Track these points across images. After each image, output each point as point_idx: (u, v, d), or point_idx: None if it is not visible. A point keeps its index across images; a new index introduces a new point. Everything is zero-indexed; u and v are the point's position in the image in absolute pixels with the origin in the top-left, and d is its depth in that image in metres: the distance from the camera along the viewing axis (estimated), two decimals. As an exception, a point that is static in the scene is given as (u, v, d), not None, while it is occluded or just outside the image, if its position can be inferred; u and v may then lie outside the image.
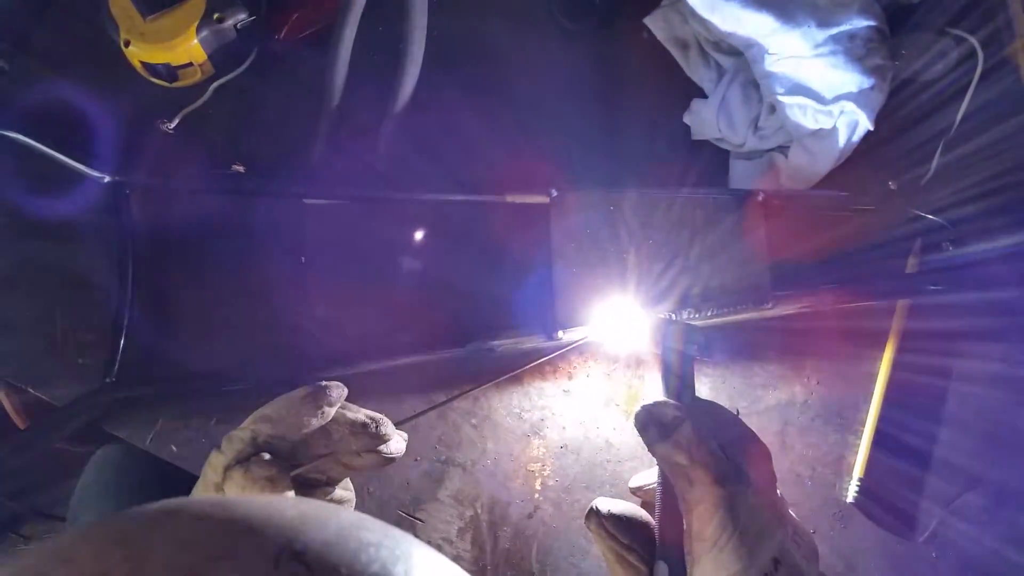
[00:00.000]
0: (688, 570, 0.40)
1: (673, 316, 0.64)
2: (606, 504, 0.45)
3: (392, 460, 0.52)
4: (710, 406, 0.46)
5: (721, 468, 0.40)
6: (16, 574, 0.21)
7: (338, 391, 0.50)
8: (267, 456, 0.48)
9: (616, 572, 0.44)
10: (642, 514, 0.45)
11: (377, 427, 0.51)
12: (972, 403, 0.71)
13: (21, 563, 0.22)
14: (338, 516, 0.26)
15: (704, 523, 0.39)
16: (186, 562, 0.22)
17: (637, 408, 0.44)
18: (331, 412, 0.50)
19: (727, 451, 0.41)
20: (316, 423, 0.49)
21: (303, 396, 0.49)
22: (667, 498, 0.43)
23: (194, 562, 0.22)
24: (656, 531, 0.44)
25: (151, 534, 0.23)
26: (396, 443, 0.52)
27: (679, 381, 0.46)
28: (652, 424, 0.42)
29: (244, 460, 0.48)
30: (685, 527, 0.40)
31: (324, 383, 0.50)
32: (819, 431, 0.69)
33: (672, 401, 0.44)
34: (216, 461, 0.49)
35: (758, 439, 0.44)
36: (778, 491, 0.43)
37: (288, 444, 0.49)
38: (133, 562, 0.22)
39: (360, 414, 0.52)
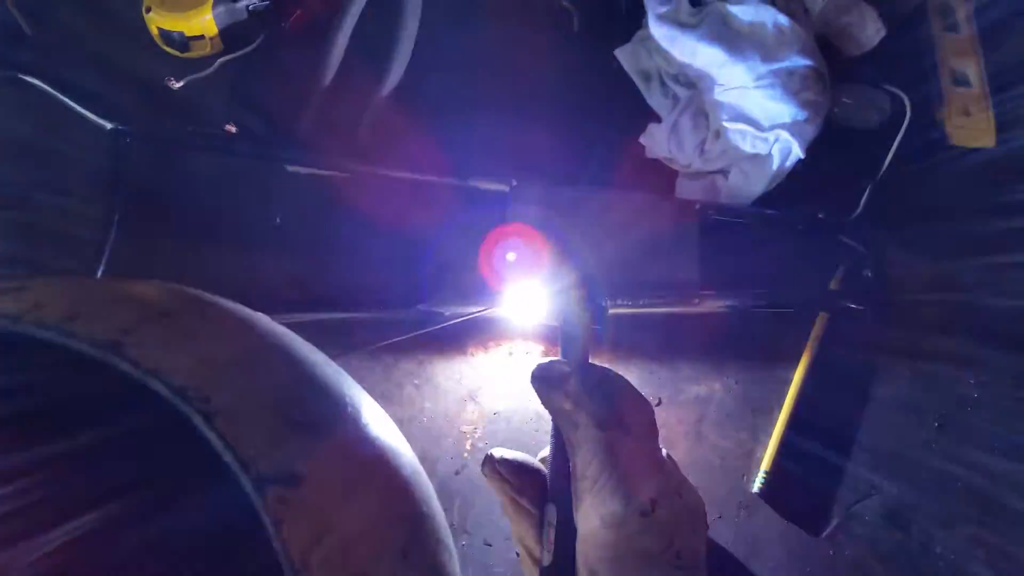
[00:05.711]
0: (573, 509, 0.45)
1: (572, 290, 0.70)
2: (500, 452, 0.49)
3: None
4: (598, 368, 0.50)
5: (603, 415, 0.42)
6: None
7: None
8: None
9: (510, 514, 0.48)
10: (534, 462, 0.49)
11: None
12: (877, 419, 0.76)
13: None
14: None
15: (586, 464, 0.41)
16: None
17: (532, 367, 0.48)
18: None
19: (611, 402, 0.45)
20: None
21: None
22: (557, 445, 0.46)
23: None
24: (548, 476, 0.48)
25: None
26: None
27: (573, 345, 0.51)
28: (543, 377, 0.46)
29: None
30: (571, 469, 0.43)
31: None
32: (733, 425, 0.74)
33: (564, 360, 0.50)
34: None
35: (641, 396, 0.47)
36: (664, 451, 0.47)
37: None
38: None
39: None
